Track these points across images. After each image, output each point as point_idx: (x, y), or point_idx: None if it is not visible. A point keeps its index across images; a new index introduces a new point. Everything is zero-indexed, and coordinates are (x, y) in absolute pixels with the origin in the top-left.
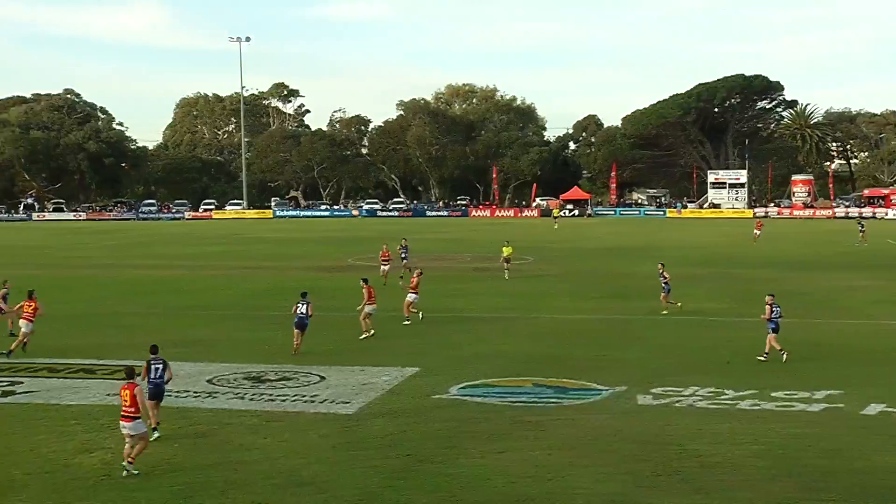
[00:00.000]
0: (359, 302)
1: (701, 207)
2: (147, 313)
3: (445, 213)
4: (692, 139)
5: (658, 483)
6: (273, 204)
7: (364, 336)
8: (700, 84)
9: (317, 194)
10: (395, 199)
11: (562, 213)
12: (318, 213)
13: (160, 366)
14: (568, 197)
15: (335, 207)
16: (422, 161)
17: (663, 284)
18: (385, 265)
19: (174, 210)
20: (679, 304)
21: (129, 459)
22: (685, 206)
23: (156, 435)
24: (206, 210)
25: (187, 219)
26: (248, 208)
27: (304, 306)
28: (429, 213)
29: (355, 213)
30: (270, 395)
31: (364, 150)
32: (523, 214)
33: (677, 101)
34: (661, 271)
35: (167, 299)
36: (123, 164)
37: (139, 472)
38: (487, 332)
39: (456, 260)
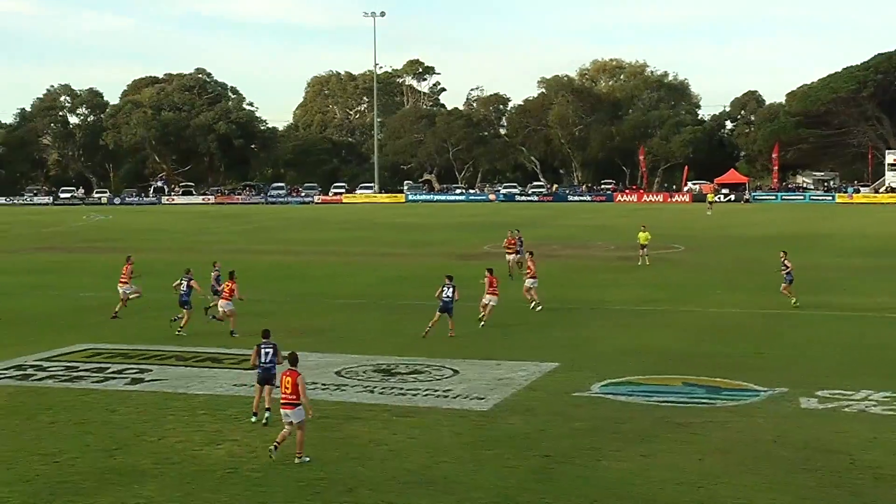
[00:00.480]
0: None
1: (876, 192)
2: (274, 300)
3: (588, 198)
4: (868, 116)
5: (825, 497)
6: (405, 188)
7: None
8: (878, 54)
9: (451, 177)
10: (535, 183)
11: (716, 199)
12: (452, 198)
13: (270, 350)
14: (723, 181)
15: (471, 192)
16: (564, 142)
17: (785, 275)
18: (511, 255)
19: (303, 194)
20: (795, 300)
21: (298, 452)
22: (857, 191)
23: (267, 415)
24: (336, 194)
25: (316, 203)
26: (380, 192)
27: (450, 290)
28: (571, 197)
29: (492, 197)
30: (401, 388)
31: (502, 131)
32: (673, 200)
33: (851, 73)
34: (783, 259)
35: (295, 286)
36: (253, 146)
37: (310, 459)
38: (633, 326)
39: (600, 248)
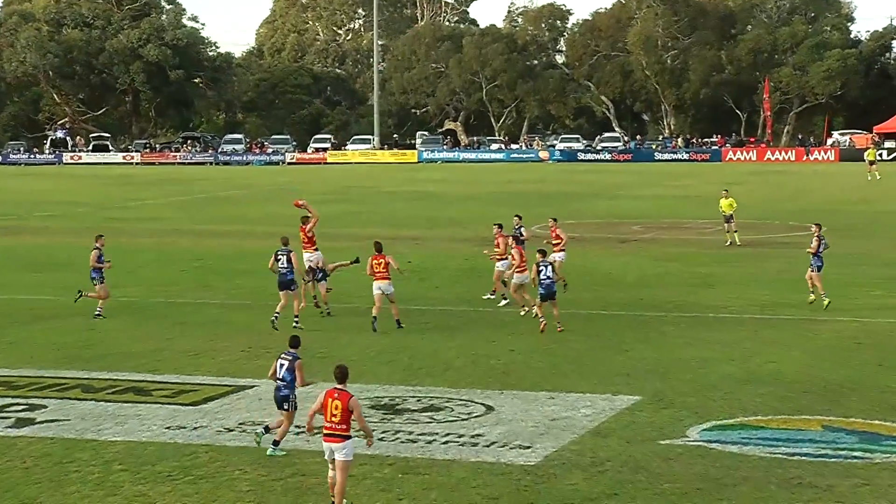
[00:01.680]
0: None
1: None
2: (226, 303)
3: (685, 156)
4: None
5: None
6: (419, 142)
7: (524, 313)
8: None
9: (485, 127)
10: (607, 135)
11: (878, 156)
12: (486, 156)
13: (285, 362)
14: (886, 129)
15: (513, 147)
16: (650, 75)
17: (812, 257)
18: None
19: (270, 150)
20: (827, 299)
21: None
22: None
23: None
24: (317, 150)
25: (290, 163)
26: (382, 148)
27: (549, 268)
28: (659, 155)
29: (544, 155)
30: (410, 432)
31: (560, 59)
32: (811, 158)
33: None
34: (815, 232)
35: (255, 283)
36: (197, 80)
37: None
38: (748, 343)
39: (699, 230)
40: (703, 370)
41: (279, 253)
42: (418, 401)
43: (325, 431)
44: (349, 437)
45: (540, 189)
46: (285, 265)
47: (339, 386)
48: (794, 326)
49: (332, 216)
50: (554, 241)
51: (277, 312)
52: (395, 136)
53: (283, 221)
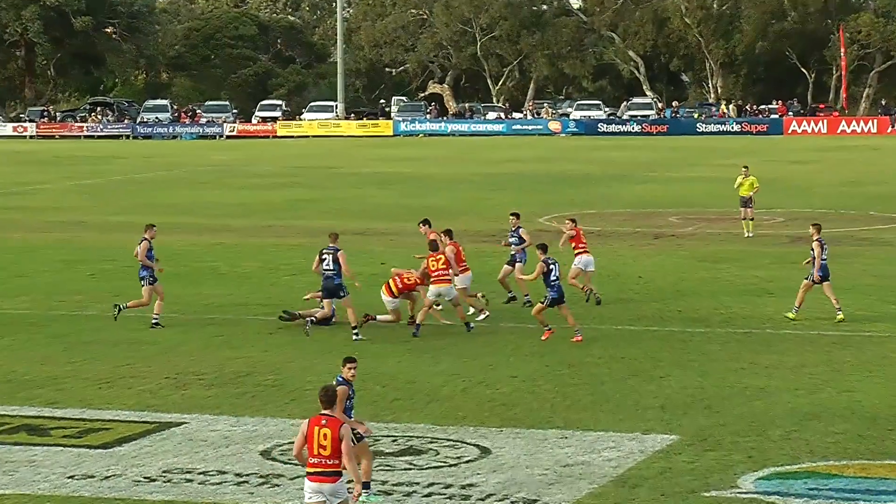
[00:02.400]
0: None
1: None
2: (145, 316)
3: (736, 128)
4: None
5: None
6: (395, 109)
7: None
8: None
9: (480, 91)
10: (636, 100)
11: None
12: (481, 128)
13: (328, 256)
14: None
15: (515, 117)
16: (691, 23)
17: (814, 262)
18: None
19: (204, 120)
20: (840, 314)
21: None
22: None
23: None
24: (265, 120)
25: (229, 136)
26: (347, 117)
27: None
28: (701, 126)
29: (555, 126)
30: (384, 482)
31: (576, 3)
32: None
33: None
34: (813, 237)
35: (181, 289)
36: (109, 30)
37: None
38: (819, 367)
39: (757, 222)
40: (758, 402)
41: (324, 252)
42: (394, 441)
43: (309, 470)
44: (340, 475)
45: (549, 170)
46: (331, 266)
47: (325, 412)
48: (877, 346)
49: (281, 204)
50: (579, 245)
51: (312, 318)
52: (361, 105)
53: (221, 211)
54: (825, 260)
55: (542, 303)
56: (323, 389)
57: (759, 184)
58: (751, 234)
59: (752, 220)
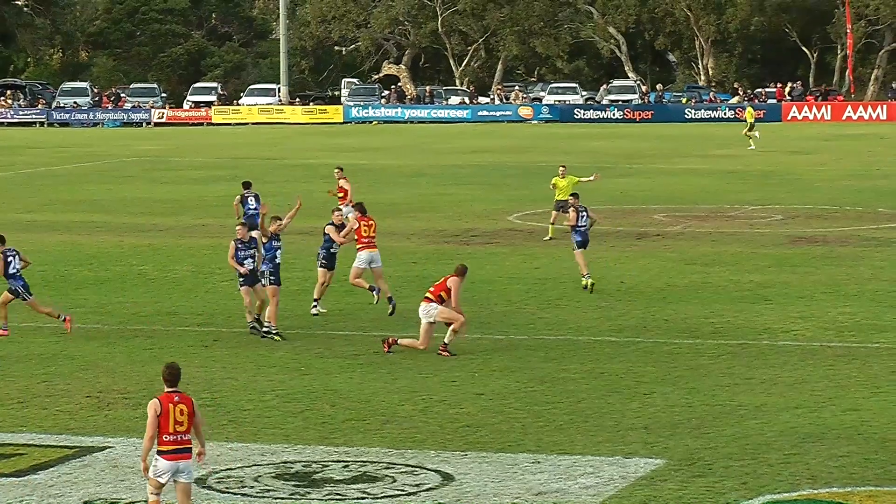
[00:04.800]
0: (517, 299)
1: None
2: (55, 327)
3: (729, 114)
4: None
5: None
6: (345, 93)
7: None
8: None
9: (441, 73)
10: (616, 83)
11: None
12: (442, 113)
13: None
14: None
15: (482, 101)
16: None
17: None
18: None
19: (129, 105)
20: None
21: None
22: None
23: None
24: (198, 105)
25: (158, 123)
26: (291, 102)
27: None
28: (689, 112)
29: (526, 112)
30: None
31: None
32: None
33: None
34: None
35: (98, 296)
36: (20, 2)
37: None
38: (822, 383)
39: (754, 221)
40: (754, 422)
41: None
42: (345, 467)
43: (167, 448)
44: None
45: (520, 161)
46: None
47: (171, 389)
48: (886, 359)
49: (217, 201)
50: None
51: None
52: (307, 89)
53: (148, 208)
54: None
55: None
56: (167, 367)
57: (559, 183)
58: (548, 238)
59: (554, 224)
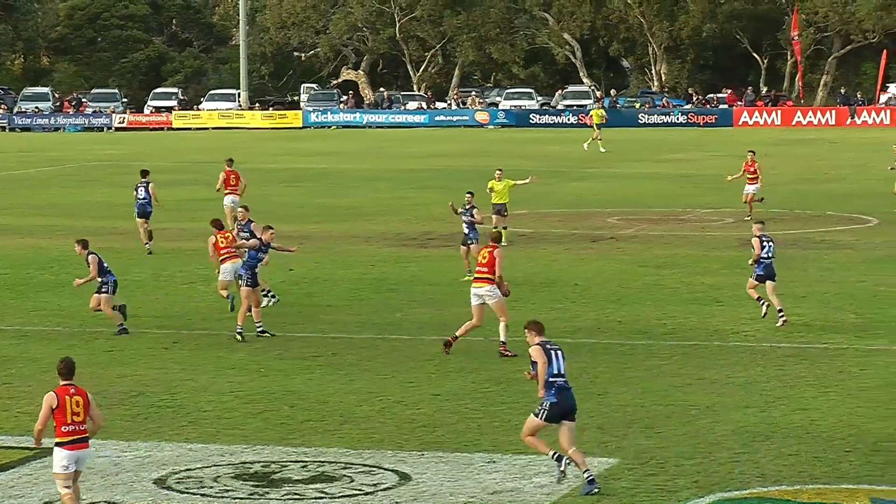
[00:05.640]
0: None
1: None
2: (29, 332)
3: (681, 119)
4: None
5: None
6: (304, 98)
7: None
8: None
9: (399, 78)
10: (571, 89)
11: None
12: (400, 118)
13: None
14: None
15: (439, 106)
16: (631, 4)
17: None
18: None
19: (90, 111)
20: (783, 318)
21: None
22: None
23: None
24: (159, 110)
25: (119, 127)
26: (251, 107)
27: None
28: (643, 118)
29: (483, 118)
30: None
31: None
32: (857, 121)
33: None
34: (756, 233)
35: (71, 301)
36: None
37: None
38: (771, 382)
39: (706, 224)
40: (705, 421)
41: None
42: (304, 467)
43: (66, 439)
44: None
45: (477, 165)
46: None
47: (66, 382)
48: (834, 360)
49: (177, 205)
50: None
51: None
52: (267, 94)
53: (109, 212)
54: (770, 258)
55: None
56: (62, 361)
57: (496, 186)
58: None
59: (505, 228)
